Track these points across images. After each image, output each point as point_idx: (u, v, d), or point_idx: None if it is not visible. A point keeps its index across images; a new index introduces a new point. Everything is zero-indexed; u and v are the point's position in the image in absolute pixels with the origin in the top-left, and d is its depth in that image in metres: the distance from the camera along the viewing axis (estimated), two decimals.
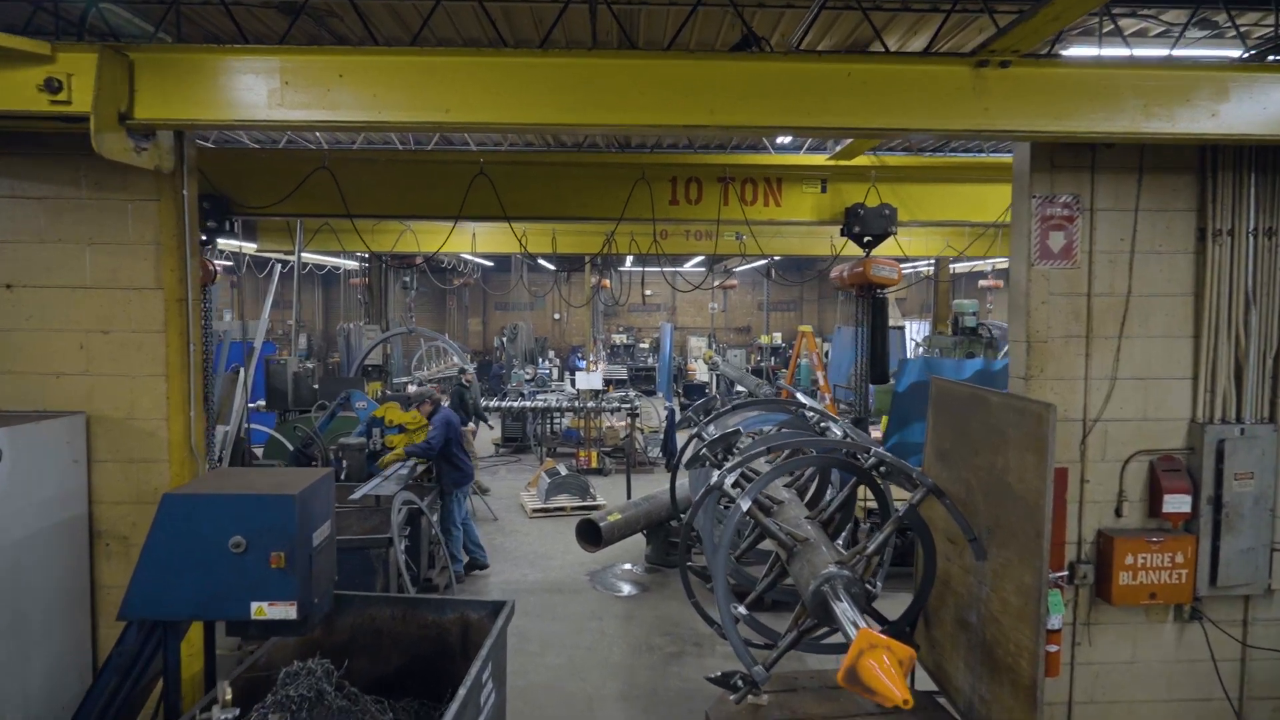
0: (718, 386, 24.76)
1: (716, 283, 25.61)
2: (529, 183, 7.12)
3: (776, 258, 16.29)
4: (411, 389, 19.82)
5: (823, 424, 8.38)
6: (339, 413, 9.98)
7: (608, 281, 24.34)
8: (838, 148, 7.13)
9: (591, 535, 9.24)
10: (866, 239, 7.31)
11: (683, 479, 9.61)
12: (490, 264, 27.50)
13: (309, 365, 27.32)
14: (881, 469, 5.82)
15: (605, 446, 16.43)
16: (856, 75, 4.15)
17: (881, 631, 5.68)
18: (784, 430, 7.66)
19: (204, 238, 7.09)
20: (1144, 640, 5.19)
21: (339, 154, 7.42)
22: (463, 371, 14.73)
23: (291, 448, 9.82)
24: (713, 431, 8.37)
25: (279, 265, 10.07)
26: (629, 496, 11.51)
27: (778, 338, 29.46)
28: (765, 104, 4.14)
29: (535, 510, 12.39)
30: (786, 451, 6.27)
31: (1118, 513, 5.21)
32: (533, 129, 4.52)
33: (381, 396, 11.98)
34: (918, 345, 22.27)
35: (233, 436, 8.84)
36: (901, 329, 25.22)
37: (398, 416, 9.71)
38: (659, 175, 7.20)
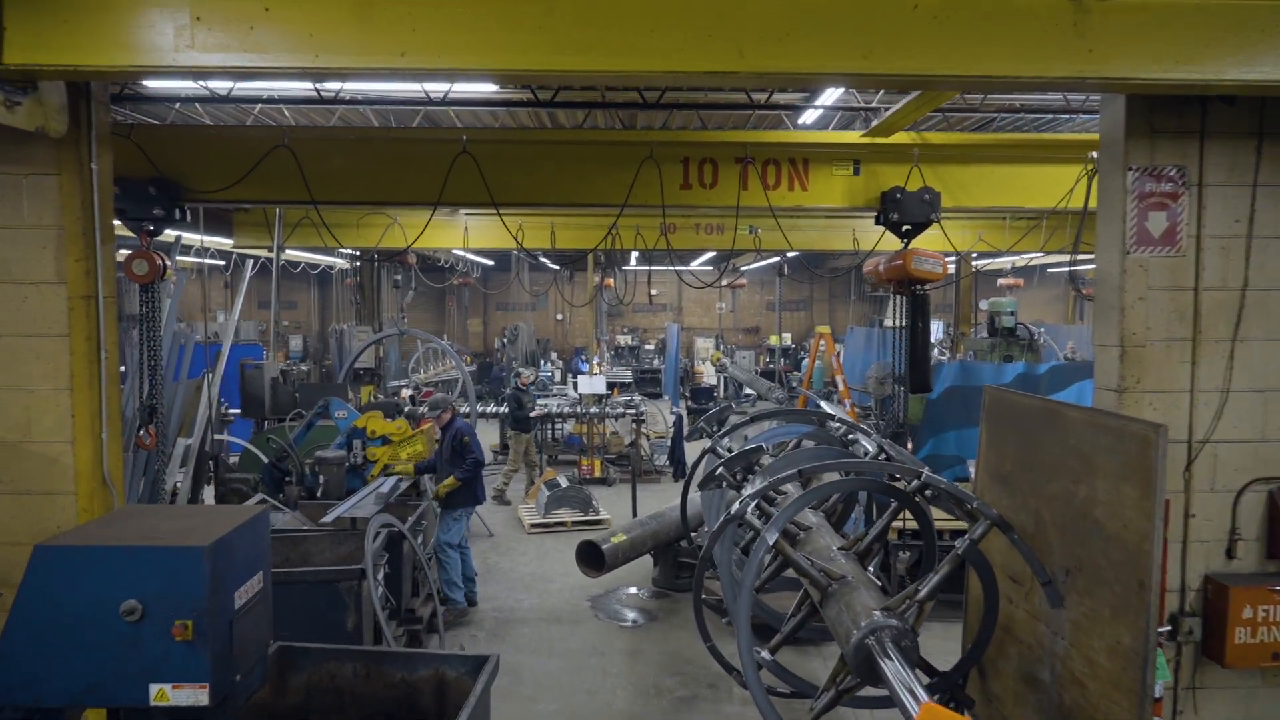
0: (726, 389, 23.86)
1: (725, 282, 24.69)
2: (519, 165, 6.23)
3: (792, 253, 15.35)
4: (406, 393, 18.99)
5: (850, 436, 7.52)
6: (316, 422, 9.09)
7: (611, 280, 23.45)
8: (873, 123, 6.23)
9: (593, 558, 8.36)
10: (905, 227, 6.40)
11: (694, 494, 8.74)
12: (490, 263, 26.66)
13: (303, 368, 26.49)
14: (927, 494, 4.95)
15: (609, 454, 15.53)
16: (925, 8, 3.25)
17: (931, 684, 4.80)
18: (810, 446, 6.77)
19: (151, 227, 6.21)
20: (1264, 710, 4.27)
21: (302, 133, 6.48)
22: (518, 375, 13.86)
23: (266, 460, 8.96)
24: (728, 446, 7.49)
25: (250, 261, 9.17)
26: (634, 510, 10.62)
27: (788, 338, 28.54)
28: (811, 45, 3.24)
29: (534, 525, 11.50)
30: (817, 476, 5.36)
31: (1229, 554, 4.30)
32: (516, 76, 3.61)
33: (365, 405, 11.08)
34: (937, 347, 21.29)
35: (195, 451, 7.96)
36: None
37: (381, 427, 8.83)
38: (669, 156, 6.30)
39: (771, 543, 4.95)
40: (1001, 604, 5.04)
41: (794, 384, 20.42)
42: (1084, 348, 20.94)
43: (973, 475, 8.54)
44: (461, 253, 21.31)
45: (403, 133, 7.20)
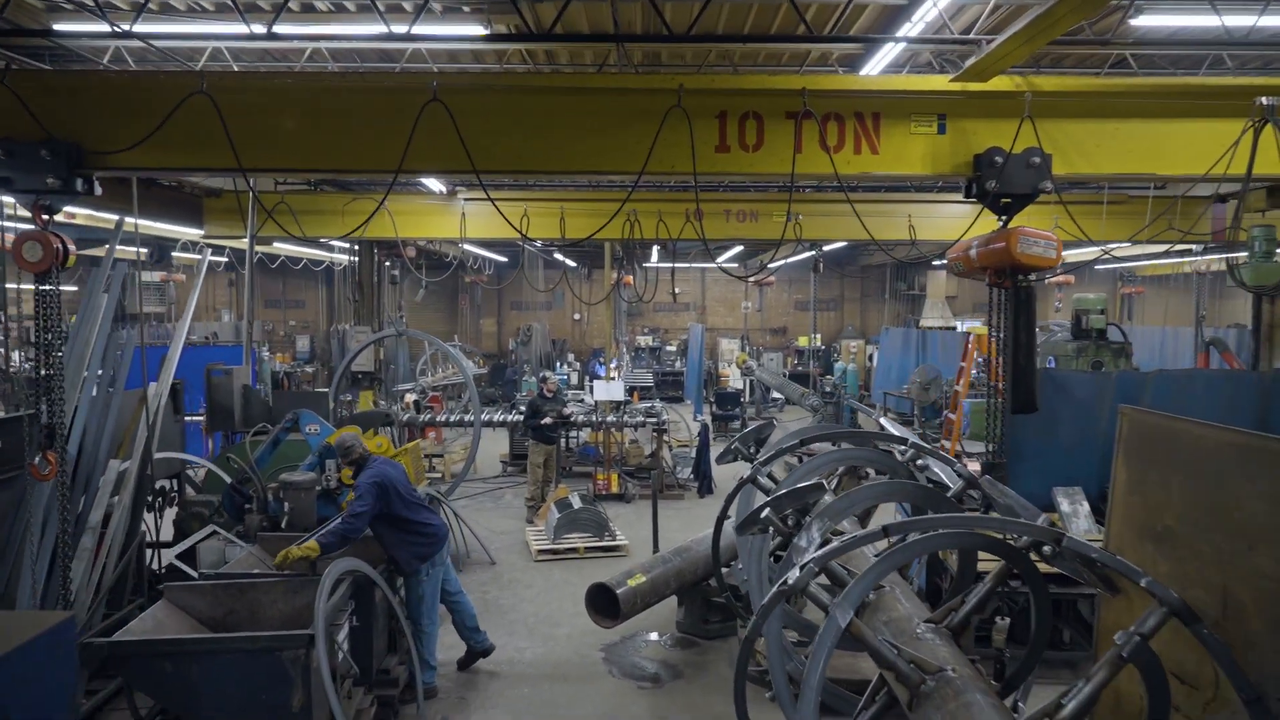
0: (752, 393, 22.42)
1: (754, 278, 23.24)
2: (508, 120, 4.90)
3: (838, 243, 13.84)
4: (410, 398, 17.73)
5: (919, 461, 6.12)
6: (284, 438, 7.81)
7: (630, 278, 22.08)
8: (964, 65, 4.81)
9: (606, 605, 7.02)
10: (1005, 200, 4.97)
11: (726, 524, 7.38)
12: (504, 259, 25.38)
13: (308, 370, 25.36)
14: (1049, 551, 3.60)
15: (627, 465, 14.18)
16: None
17: None
18: (880, 481, 5.39)
19: (46, 201, 4.92)
20: None
21: (226, 80, 5.02)
22: (544, 380, 12.51)
23: (230, 480, 7.70)
24: (772, 476, 6.11)
25: (207, 250, 7.89)
26: (655, 537, 9.26)
27: (817, 339, 27.03)
28: None
29: (542, 552, 10.17)
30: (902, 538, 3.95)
31: None
32: None
33: (349, 417, 9.82)
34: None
35: (134, 477, 6.69)
36: (954, 331, 22.74)
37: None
38: (701, 109, 4.91)
39: (844, 625, 3.62)
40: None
41: (827, 389, 18.96)
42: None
43: (1061, 509, 7.12)
44: (472, 248, 20.03)
45: (354, 81, 5.58)
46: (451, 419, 14.08)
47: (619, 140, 4.86)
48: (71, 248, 4.91)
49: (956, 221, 10.22)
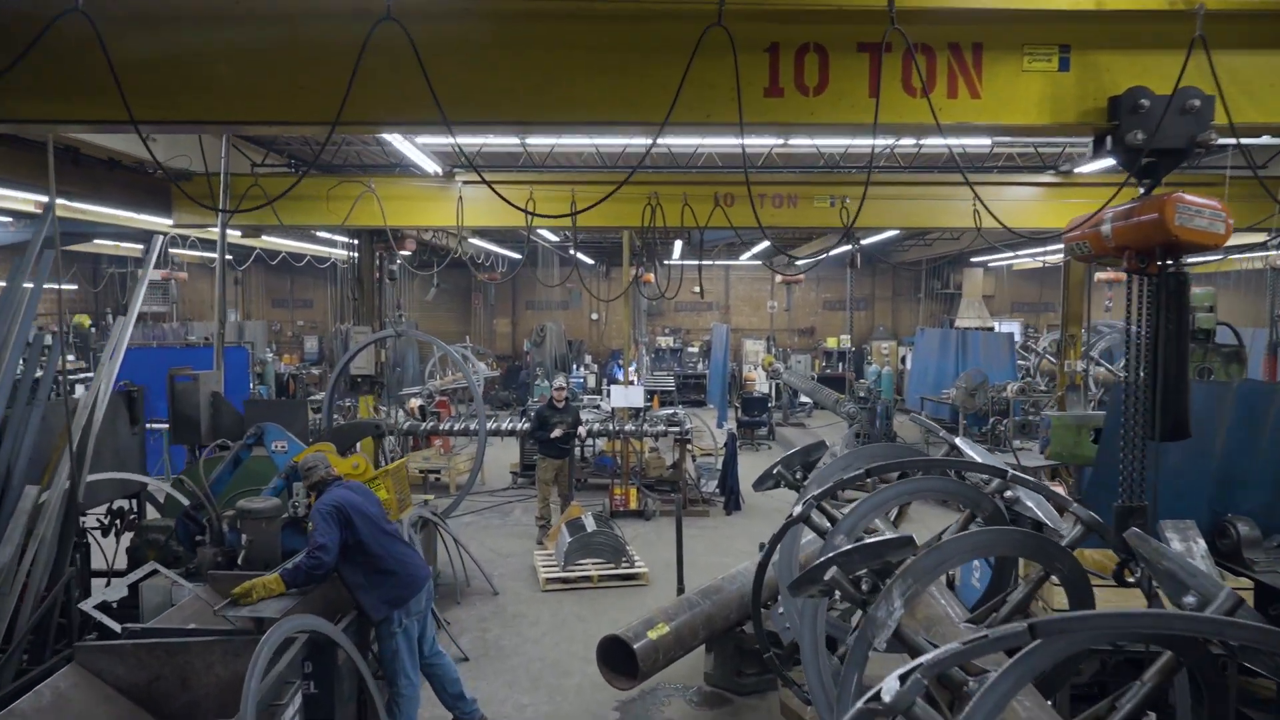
0: (779, 397, 21.17)
1: (779, 278, 21.97)
2: (490, 54, 3.73)
3: (885, 234, 12.54)
4: (416, 403, 16.65)
5: (1007, 492, 4.96)
6: (246, 457, 6.71)
7: (651, 275, 20.88)
8: None
9: (622, 659, 5.86)
10: (1147, 160, 3.75)
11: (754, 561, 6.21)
12: (519, 256, 24.28)
13: (314, 371, 24.32)
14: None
15: (647, 478, 12.99)
16: None
17: None
18: (982, 532, 4.21)
19: None
20: None
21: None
22: (559, 388, 11.32)
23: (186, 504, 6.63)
24: (827, 510, 4.92)
25: (158, 238, 6.80)
26: (680, 569, 8.04)
27: (846, 340, 25.73)
28: None
29: (550, 580, 9.02)
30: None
31: None
32: None
33: (319, 434, 8.70)
34: (1029, 358, 18.34)
35: (57, 510, 5.59)
36: (997, 332, 21.38)
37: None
38: (747, 40, 3.72)
39: None
40: None
41: (861, 394, 17.66)
42: None
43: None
44: (482, 244, 18.93)
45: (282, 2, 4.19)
46: (456, 427, 12.97)
47: (638, 80, 3.69)
48: None
49: (1024, 204, 8.98)
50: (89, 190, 8.22)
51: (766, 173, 9.40)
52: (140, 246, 18.55)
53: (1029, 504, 4.82)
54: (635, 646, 5.72)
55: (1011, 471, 4.41)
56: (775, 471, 5.76)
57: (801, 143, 9.44)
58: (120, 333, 6.04)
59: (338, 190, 8.40)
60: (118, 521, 7.39)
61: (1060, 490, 7.31)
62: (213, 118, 3.84)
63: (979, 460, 4.90)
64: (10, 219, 13.50)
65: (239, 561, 6.10)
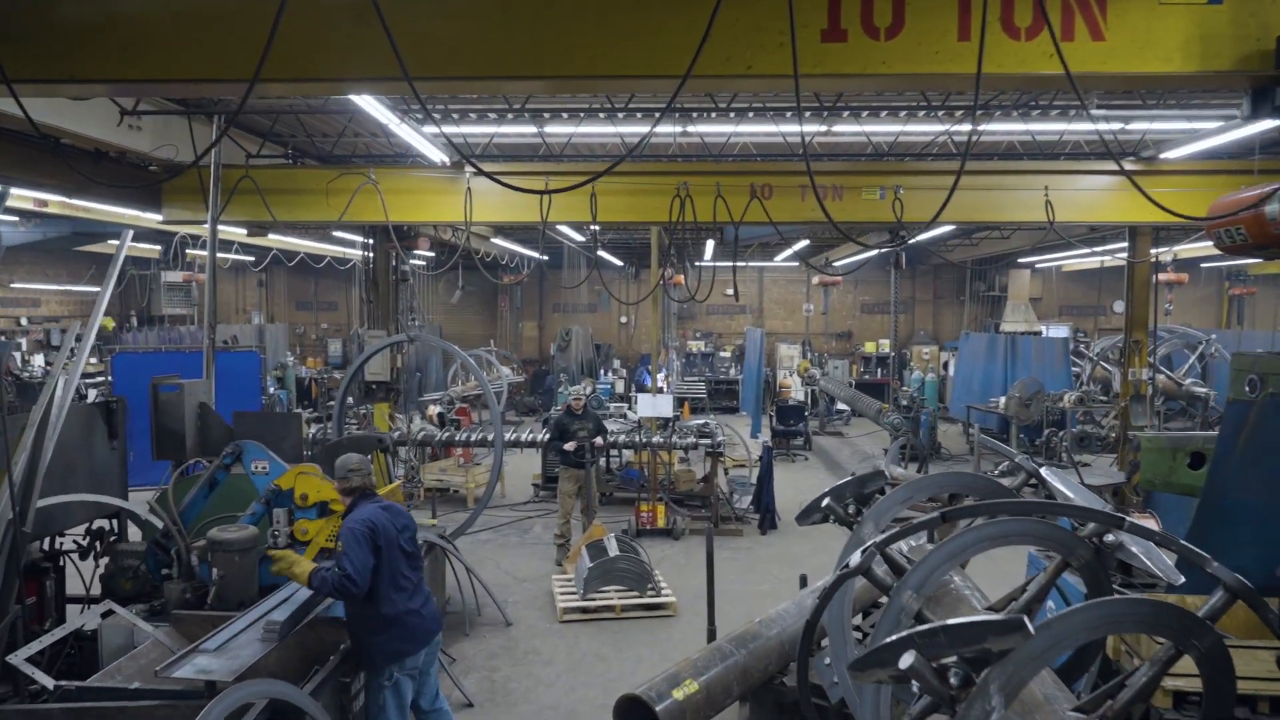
0: (814, 405, 20.22)
1: (816, 279, 21.04)
2: None
3: (945, 228, 11.54)
4: (435, 410, 15.94)
5: (1107, 536, 4.14)
6: (222, 479, 5.99)
7: (681, 277, 20.04)
8: None
9: None
10: None
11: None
12: (545, 258, 23.58)
13: (337, 376, 23.82)
14: None
15: (675, 492, 12.16)
16: None
17: None
18: (1102, 603, 3.33)
19: None
20: None
21: None
22: (576, 398, 10.53)
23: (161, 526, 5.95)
24: (891, 558, 4.08)
25: (127, 232, 6.10)
26: (710, 608, 7.14)
27: (885, 345, 24.66)
28: None
29: (569, 611, 8.23)
30: None
31: None
32: None
33: (321, 443, 7.97)
34: (1081, 365, 17.18)
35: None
36: (1050, 337, 20.24)
37: (316, 489, 5.72)
38: None
39: None
40: None
41: (903, 402, 16.68)
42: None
43: None
44: (506, 244, 18.22)
45: None
46: (473, 437, 12.23)
47: (654, 21, 2.88)
48: None
49: (1098, 195, 8.01)
50: (71, 184, 7.60)
51: (810, 161, 8.50)
52: (158, 247, 18.11)
53: (1135, 551, 3.95)
54: (659, 709, 4.88)
55: (1129, 520, 3.53)
56: (824, 504, 4.90)
57: (846, 129, 8.55)
58: (87, 333, 5.35)
59: (338, 183, 7.69)
60: (97, 543, 6.75)
61: (1153, 524, 6.38)
62: (88, 75, 3.07)
63: (1081, 504, 4.01)
64: (17, 217, 13.01)
65: (209, 599, 5.40)
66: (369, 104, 6.34)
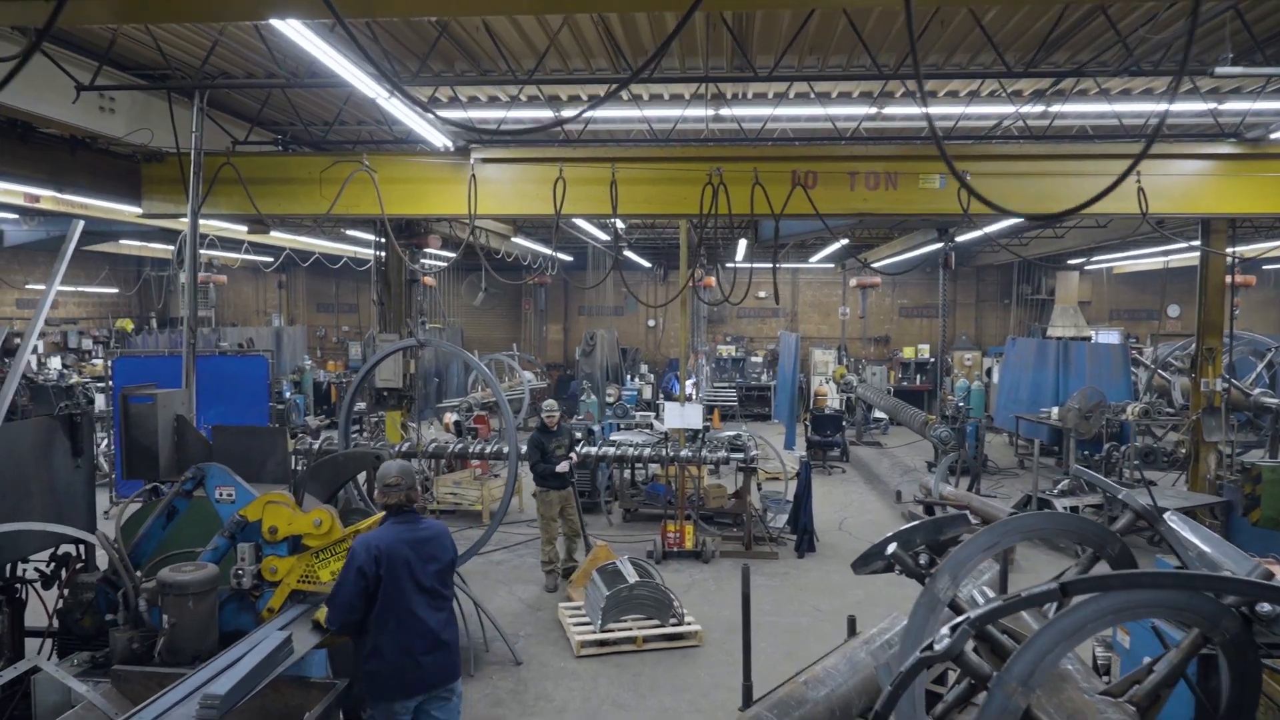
0: (851, 413, 19.21)
1: (854, 281, 20.05)
2: None
3: (1011, 220, 10.50)
4: (452, 418, 15.17)
5: (1260, 607, 3.13)
6: (182, 507, 5.20)
7: (712, 279, 19.16)
8: None
9: None
10: None
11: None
12: (570, 259, 22.82)
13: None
14: None
15: (705, 510, 11.29)
16: None
17: None
18: None
19: None
20: None
21: None
22: (549, 414, 9.64)
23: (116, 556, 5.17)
24: (991, 636, 3.18)
25: (77, 223, 5.35)
26: (746, 645, 6.20)
27: (925, 350, 23.60)
28: None
29: (586, 644, 7.39)
30: None
31: None
32: None
33: (315, 454, 7.22)
34: (1143, 371, 15.99)
35: None
36: (1108, 343, 19.08)
37: (287, 522, 4.92)
38: None
39: None
40: None
41: (947, 412, 15.64)
42: None
43: None
44: (528, 243, 17.44)
45: None
46: (489, 449, 11.42)
47: None
48: None
49: (1194, 181, 6.99)
50: (45, 174, 6.92)
51: (858, 145, 7.54)
52: (170, 248, 17.56)
53: None
54: None
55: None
56: (890, 552, 3.99)
57: (898, 111, 7.59)
58: (28, 334, 4.60)
59: (331, 172, 6.92)
60: (63, 570, 6.04)
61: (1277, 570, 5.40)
62: None
63: (1239, 576, 3.09)
64: (17, 215, 12.45)
65: (158, 650, 4.61)
66: (346, 69, 5.51)
